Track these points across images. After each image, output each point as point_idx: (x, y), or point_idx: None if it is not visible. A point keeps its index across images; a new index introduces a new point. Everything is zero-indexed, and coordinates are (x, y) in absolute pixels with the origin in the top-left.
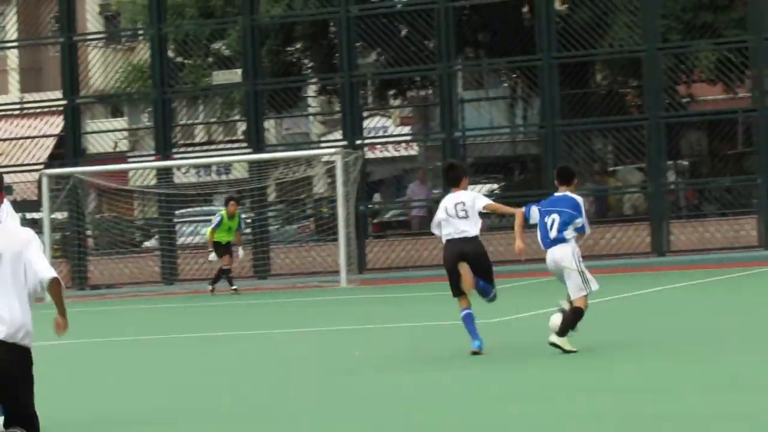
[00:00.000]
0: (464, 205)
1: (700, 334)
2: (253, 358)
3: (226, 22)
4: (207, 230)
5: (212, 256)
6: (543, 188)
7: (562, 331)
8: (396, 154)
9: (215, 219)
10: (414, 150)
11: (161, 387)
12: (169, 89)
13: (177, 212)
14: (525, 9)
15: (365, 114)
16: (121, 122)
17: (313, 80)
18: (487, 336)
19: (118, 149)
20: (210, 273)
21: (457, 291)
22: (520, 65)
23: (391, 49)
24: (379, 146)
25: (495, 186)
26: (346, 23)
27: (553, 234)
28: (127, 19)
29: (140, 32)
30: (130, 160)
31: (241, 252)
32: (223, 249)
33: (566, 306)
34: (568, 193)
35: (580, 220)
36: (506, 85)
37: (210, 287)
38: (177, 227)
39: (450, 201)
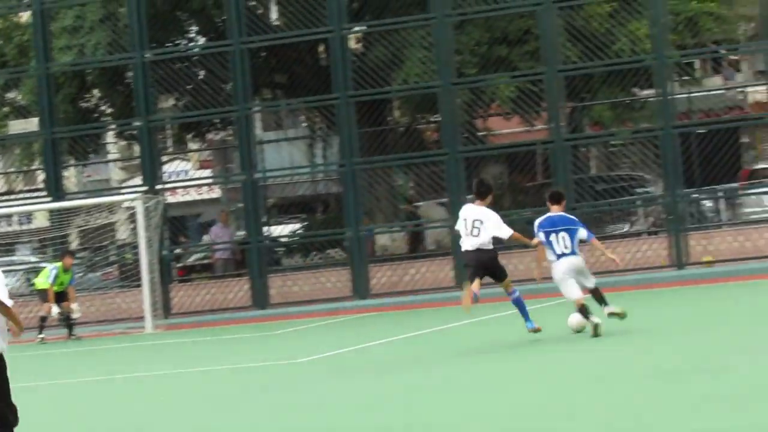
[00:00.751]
0: (481, 223)
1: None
2: (59, 406)
3: (21, 71)
4: (40, 282)
5: (54, 309)
6: (344, 226)
7: (605, 300)
8: (198, 197)
9: (52, 272)
10: (216, 193)
11: None
12: None
13: None
14: (320, 49)
15: (164, 158)
16: None
17: (111, 126)
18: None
19: None
20: (30, 322)
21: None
22: (317, 105)
23: (189, 93)
24: (180, 190)
25: (298, 226)
26: (141, 68)
27: (566, 249)
28: None
29: None
30: None
31: (75, 306)
32: (46, 297)
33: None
34: (563, 213)
35: (583, 230)
36: (305, 125)
37: (40, 336)
38: None
39: (470, 215)
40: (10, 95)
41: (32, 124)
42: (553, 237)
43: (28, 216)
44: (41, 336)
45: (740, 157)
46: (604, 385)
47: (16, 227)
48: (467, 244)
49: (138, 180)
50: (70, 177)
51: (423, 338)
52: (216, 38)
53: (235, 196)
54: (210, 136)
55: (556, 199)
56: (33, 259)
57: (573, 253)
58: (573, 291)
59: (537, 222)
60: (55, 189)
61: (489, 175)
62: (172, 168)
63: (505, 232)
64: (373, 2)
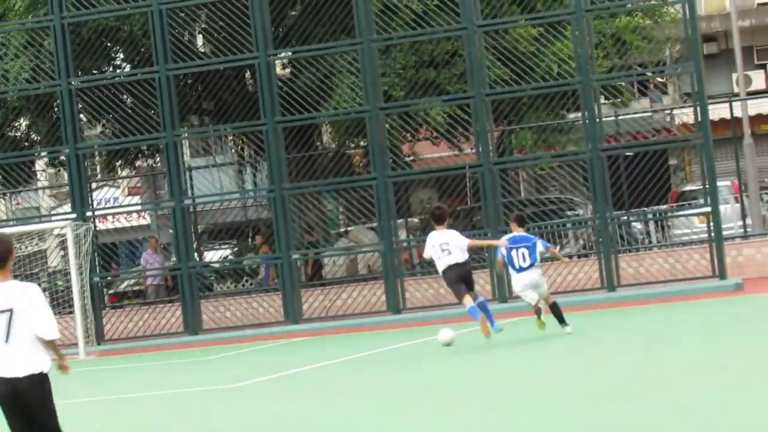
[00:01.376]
0: (448, 244)
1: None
2: None
3: None
4: None
5: None
6: (277, 251)
7: (563, 319)
8: (127, 224)
9: None
10: (146, 219)
11: None
12: None
13: None
14: (247, 75)
15: (94, 185)
16: None
17: (40, 154)
18: None
19: None
20: None
21: (460, 297)
22: (245, 130)
23: (117, 120)
24: (110, 217)
25: (228, 252)
26: (68, 95)
27: (525, 263)
28: None
29: None
30: None
31: None
32: None
33: (541, 305)
34: (524, 233)
35: (540, 243)
36: (234, 150)
37: None
38: None
39: (436, 240)
40: None
41: None
42: (514, 253)
43: None
44: None
45: (669, 179)
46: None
47: None
48: (443, 263)
49: (68, 207)
50: (0, 204)
51: (357, 362)
52: (143, 65)
53: (165, 222)
54: (139, 162)
55: (521, 222)
56: None
57: (531, 266)
58: (532, 297)
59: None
60: None
61: (418, 199)
62: (102, 195)
63: (463, 242)
64: (299, 28)
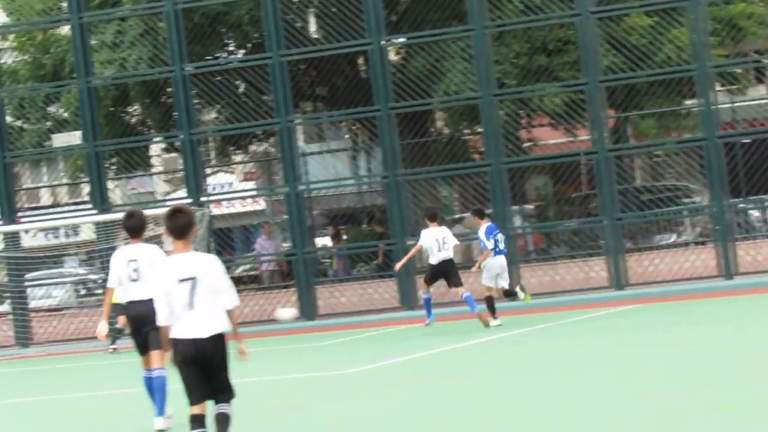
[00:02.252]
0: (445, 239)
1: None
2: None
3: (62, 85)
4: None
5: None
6: (389, 238)
7: (494, 312)
8: (242, 209)
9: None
10: (260, 205)
11: None
12: (9, 153)
13: (27, 275)
14: (360, 61)
15: (208, 171)
16: None
17: (153, 139)
18: None
19: None
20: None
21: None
22: (358, 116)
23: (230, 106)
24: (225, 202)
25: (345, 237)
26: (182, 82)
27: (502, 246)
28: None
29: None
30: None
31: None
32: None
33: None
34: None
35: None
36: (347, 136)
37: (112, 346)
38: (28, 291)
39: (434, 235)
40: (51, 109)
41: (75, 137)
42: (499, 237)
43: (75, 228)
44: (114, 346)
45: None
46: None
47: (63, 240)
48: (437, 258)
49: (182, 192)
50: (115, 190)
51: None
52: (254, 51)
53: (279, 207)
54: (253, 147)
55: (481, 215)
56: (81, 271)
57: (504, 251)
58: (492, 283)
59: (487, 229)
60: (101, 202)
61: (533, 186)
62: (216, 180)
63: (454, 241)
64: (411, 14)
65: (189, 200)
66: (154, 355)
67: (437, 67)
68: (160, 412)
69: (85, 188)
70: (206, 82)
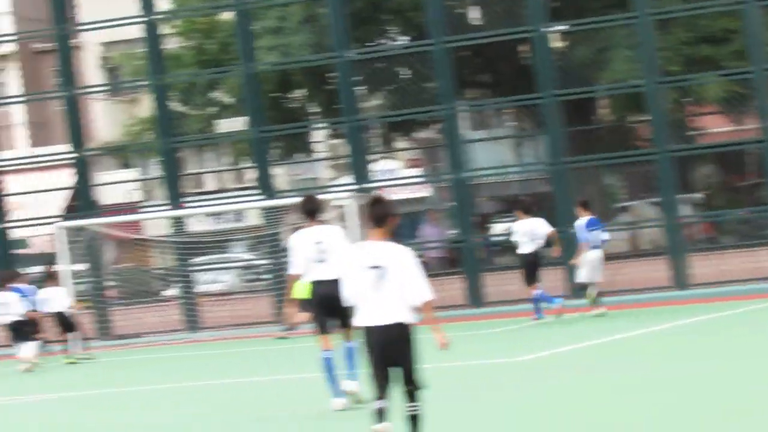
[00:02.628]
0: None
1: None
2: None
3: (225, 71)
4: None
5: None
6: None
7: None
8: (407, 196)
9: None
10: (425, 191)
11: None
12: (174, 139)
13: (194, 260)
14: (521, 48)
15: (372, 157)
16: (132, 173)
17: (316, 125)
18: None
19: (131, 199)
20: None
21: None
22: (522, 104)
23: (393, 92)
24: (388, 189)
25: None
26: (345, 68)
27: (605, 237)
28: (128, 71)
29: (141, 83)
30: (142, 209)
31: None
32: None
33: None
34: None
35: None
36: (511, 123)
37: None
38: (195, 275)
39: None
40: (215, 94)
41: (238, 123)
42: (595, 233)
43: (239, 214)
44: (287, 332)
45: None
46: None
47: (228, 225)
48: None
49: (345, 179)
50: (279, 175)
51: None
52: (416, 37)
53: (444, 194)
54: (417, 134)
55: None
56: (246, 256)
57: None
58: (593, 275)
59: (588, 222)
60: (266, 187)
61: (701, 174)
62: (380, 167)
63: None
64: (573, 1)
65: (354, 186)
66: (346, 331)
67: (600, 54)
68: (353, 377)
69: (248, 173)
70: (368, 68)
